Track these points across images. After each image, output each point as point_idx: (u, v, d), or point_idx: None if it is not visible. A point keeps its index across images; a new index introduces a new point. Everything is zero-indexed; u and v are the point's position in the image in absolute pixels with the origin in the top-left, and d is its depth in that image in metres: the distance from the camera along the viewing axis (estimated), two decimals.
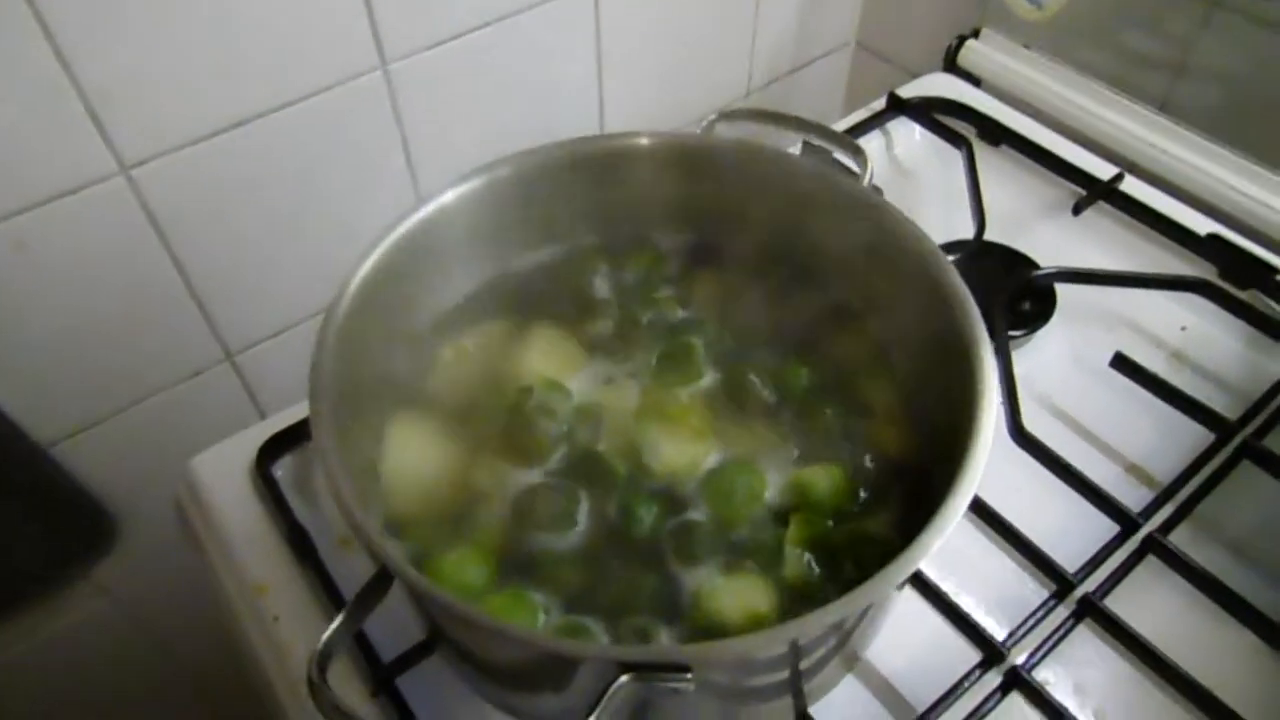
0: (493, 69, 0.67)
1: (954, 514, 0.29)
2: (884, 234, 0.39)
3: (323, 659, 0.29)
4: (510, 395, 0.40)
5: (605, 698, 0.28)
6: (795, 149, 0.46)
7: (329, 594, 0.45)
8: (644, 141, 0.42)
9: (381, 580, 0.30)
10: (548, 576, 0.35)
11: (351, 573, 0.47)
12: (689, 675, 0.28)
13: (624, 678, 0.28)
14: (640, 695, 0.29)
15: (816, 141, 0.44)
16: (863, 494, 0.37)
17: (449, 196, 0.39)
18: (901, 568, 0.28)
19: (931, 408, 0.37)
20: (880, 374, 0.41)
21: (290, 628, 0.46)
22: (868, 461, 0.39)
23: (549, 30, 0.68)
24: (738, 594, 0.34)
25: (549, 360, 0.41)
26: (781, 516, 0.37)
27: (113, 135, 0.54)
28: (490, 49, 0.66)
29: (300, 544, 0.47)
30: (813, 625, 0.28)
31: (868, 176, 0.41)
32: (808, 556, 0.35)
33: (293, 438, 0.52)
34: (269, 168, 0.61)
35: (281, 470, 0.51)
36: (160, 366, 0.67)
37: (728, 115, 0.45)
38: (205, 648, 0.86)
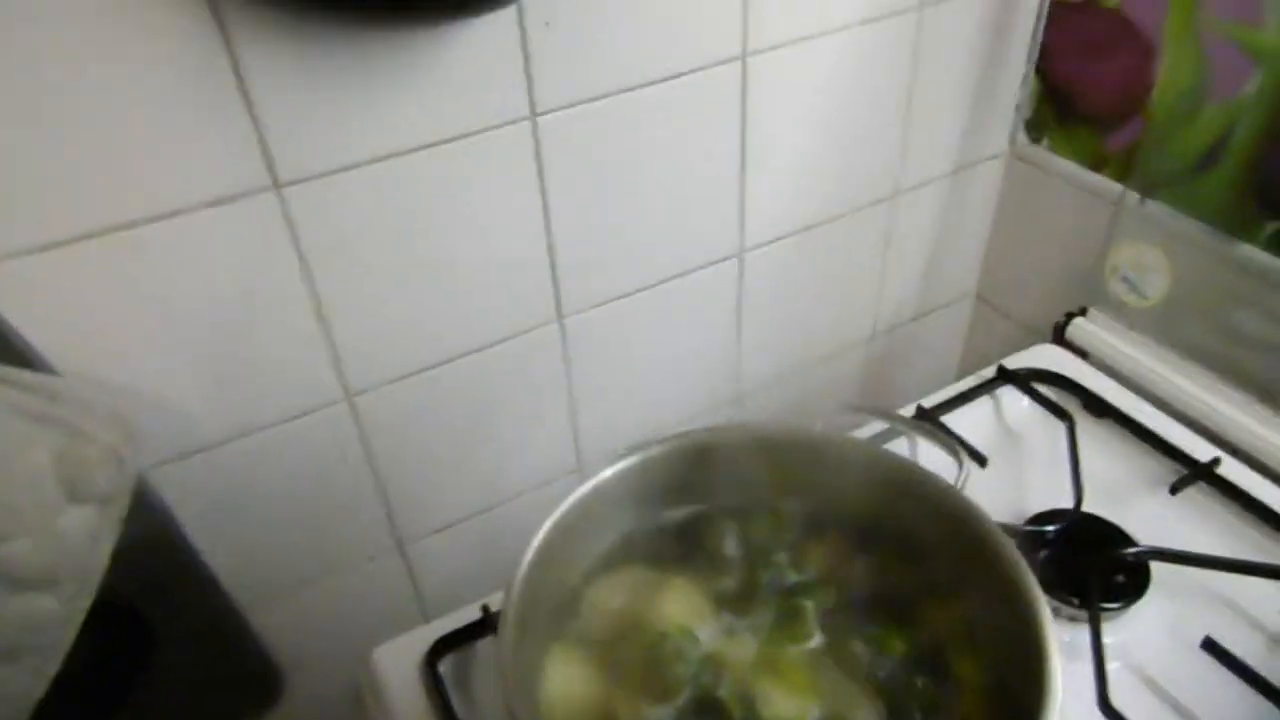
0: (645, 331, 0.79)
1: None
2: (965, 525, 0.46)
3: None
4: (649, 638, 0.48)
5: None
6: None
7: None
8: (773, 432, 0.52)
9: None
10: None
11: None
12: None
13: None
14: None
15: (923, 437, 0.53)
16: None
17: (610, 471, 0.50)
18: None
19: (1009, 683, 0.43)
20: (965, 649, 0.47)
21: None
22: None
23: (702, 290, 0.80)
24: None
25: (682, 609, 0.50)
26: None
27: (345, 371, 0.67)
28: (651, 306, 0.78)
29: None
30: None
31: (961, 479, 0.49)
32: None
33: (456, 640, 0.61)
34: (458, 399, 0.74)
35: (444, 667, 0.60)
36: (343, 550, 0.78)
37: (850, 409, 0.54)
38: None
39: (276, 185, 0.57)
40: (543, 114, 0.63)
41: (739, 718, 0.45)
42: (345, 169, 0.58)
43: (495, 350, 0.73)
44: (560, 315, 0.74)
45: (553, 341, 0.75)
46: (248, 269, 0.59)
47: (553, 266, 0.71)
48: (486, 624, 0.61)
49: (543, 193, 0.67)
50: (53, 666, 0.53)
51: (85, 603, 0.53)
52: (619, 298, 0.76)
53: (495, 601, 0.62)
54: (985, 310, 1.02)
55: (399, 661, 0.61)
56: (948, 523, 0.48)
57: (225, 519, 0.70)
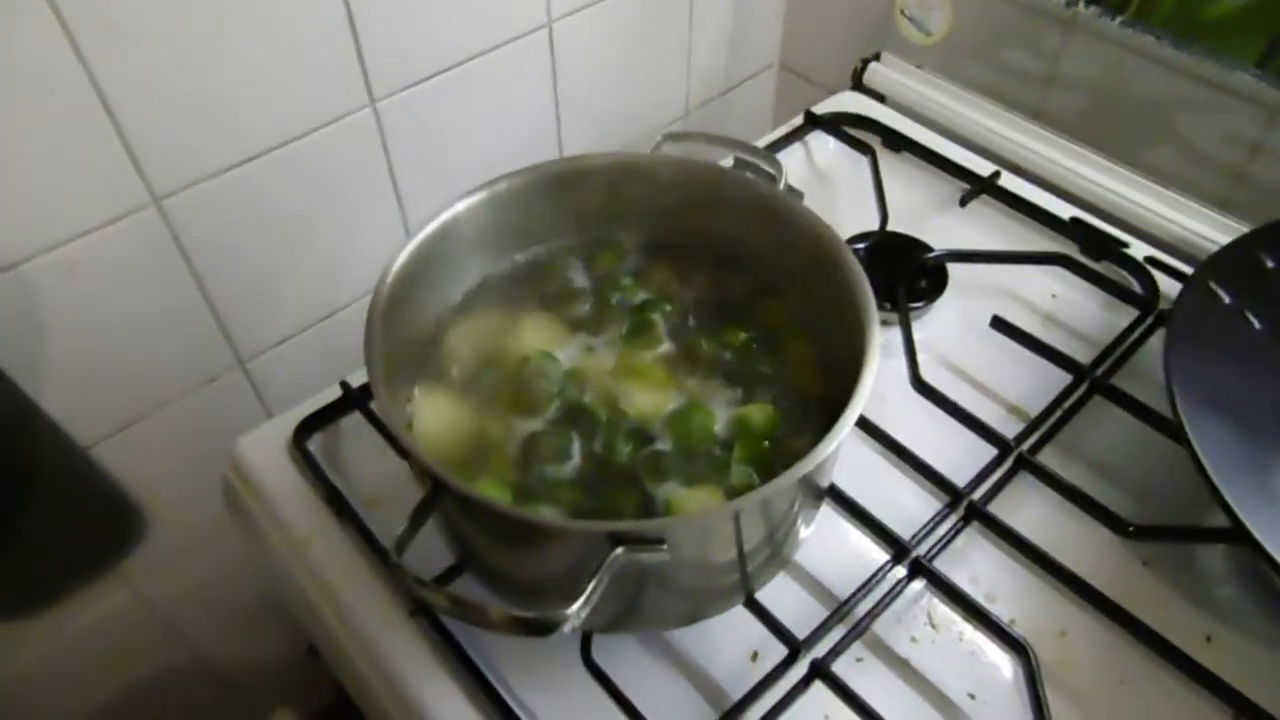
0: (467, 103, 0.77)
1: (844, 426, 0.41)
2: (794, 226, 0.51)
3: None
4: (512, 364, 0.51)
5: (602, 568, 0.38)
6: (729, 161, 0.58)
7: (365, 540, 0.55)
8: (605, 161, 0.54)
9: (434, 495, 0.41)
10: (552, 497, 0.46)
11: (379, 527, 0.57)
12: (664, 545, 0.39)
13: (617, 550, 0.38)
14: (630, 568, 0.40)
15: (743, 156, 0.56)
16: (789, 423, 0.49)
17: (459, 206, 0.50)
18: (808, 463, 0.39)
19: (838, 357, 0.48)
20: (800, 334, 0.52)
21: (334, 569, 0.55)
22: (792, 400, 0.50)
23: (514, 67, 0.79)
24: (697, 498, 0.45)
25: (541, 336, 0.52)
26: (728, 444, 0.48)
27: (146, 171, 0.63)
28: (464, 86, 0.76)
29: (337, 502, 0.57)
30: (749, 500, 0.39)
31: (783, 181, 0.53)
32: (749, 469, 0.46)
33: (320, 420, 0.62)
34: (276, 197, 0.71)
35: (313, 445, 0.61)
36: (182, 374, 0.75)
37: (671, 136, 0.57)
38: (219, 632, 0.95)
39: None
40: None
41: (605, 417, 0.49)
42: None
43: (308, 141, 0.70)
44: (373, 99, 0.72)
45: (368, 128, 0.73)
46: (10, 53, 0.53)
47: (358, 47, 0.68)
48: (347, 400, 0.62)
49: None
50: None
51: None
52: (432, 75, 0.74)
53: (355, 380, 0.63)
54: (789, 77, 1.06)
55: (266, 447, 0.61)
56: (777, 226, 0.52)
57: (46, 350, 0.66)
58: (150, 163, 0.62)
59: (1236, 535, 0.44)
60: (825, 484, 0.50)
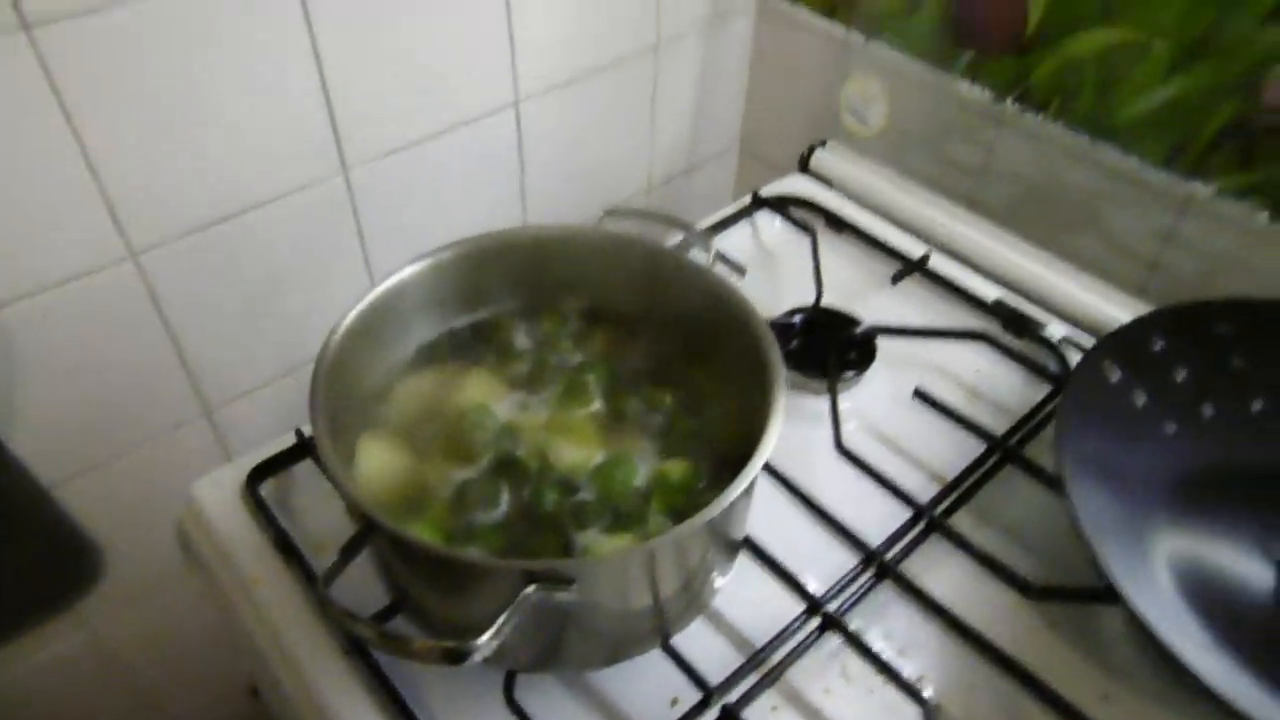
0: (435, 172, 0.83)
1: (744, 479, 0.44)
2: (715, 297, 0.55)
3: (326, 583, 0.42)
4: (451, 416, 0.55)
5: (514, 603, 0.41)
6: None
7: (309, 582, 0.58)
8: (549, 233, 0.59)
9: (364, 533, 0.44)
10: (480, 541, 0.49)
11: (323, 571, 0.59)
12: (574, 584, 0.42)
13: (530, 587, 0.42)
14: (545, 607, 0.43)
15: (678, 232, 0.61)
16: (704, 478, 0.52)
17: (407, 271, 0.55)
18: (709, 511, 0.43)
19: (756, 420, 0.52)
20: (721, 397, 0.57)
21: (278, 610, 0.58)
22: (712, 458, 0.54)
23: (482, 141, 0.84)
24: (613, 544, 0.49)
25: (480, 391, 0.56)
26: (647, 495, 0.52)
27: (125, 226, 0.67)
28: (433, 157, 0.82)
29: (284, 545, 0.60)
30: (654, 543, 0.43)
31: (711, 257, 0.57)
32: (665, 520, 0.50)
33: (274, 466, 0.65)
34: (250, 254, 0.75)
35: (265, 491, 0.64)
36: (149, 420, 0.79)
37: (611, 212, 0.62)
38: (168, 673, 0.96)
39: (25, 26, 0.56)
40: None
41: (535, 469, 0.53)
42: (94, 11, 0.58)
43: (282, 203, 0.75)
44: (345, 167, 0.77)
45: (339, 193, 0.78)
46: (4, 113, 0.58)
47: (331, 117, 0.73)
48: (302, 447, 0.65)
49: (312, 39, 0.68)
50: None
51: None
52: (403, 148, 0.79)
53: (310, 429, 0.66)
54: (747, 159, 1.12)
55: (219, 492, 0.64)
56: (701, 297, 0.57)
57: (16, 391, 0.69)
58: (129, 218, 0.67)
59: (1110, 594, 0.48)
60: (737, 535, 0.54)
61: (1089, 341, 0.75)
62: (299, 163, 0.74)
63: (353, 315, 0.51)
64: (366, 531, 0.44)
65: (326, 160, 0.75)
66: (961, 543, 0.62)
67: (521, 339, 0.60)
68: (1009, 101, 0.81)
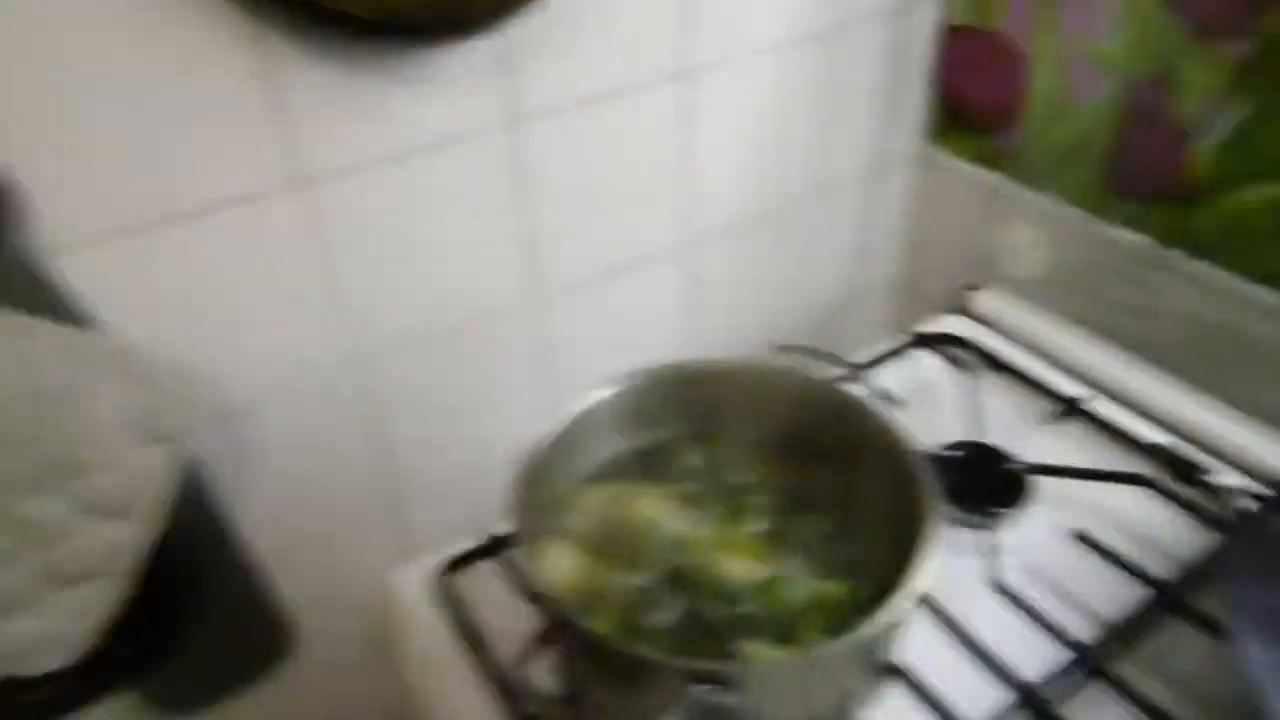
0: (612, 309, 0.91)
1: (894, 608, 0.48)
2: (874, 429, 0.60)
3: (519, 663, 0.48)
4: (626, 528, 0.61)
5: (678, 701, 0.46)
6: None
7: (493, 667, 0.64)
8: (719, 365, 0.65)
9: (554, 628, 0.50)
10: (650, 643, 0.54)
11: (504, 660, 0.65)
12: (733, 688, 0.46)
13: (694, 688, 0.46)
14: (703, 707, 0.47)
15: (839, 368, 0.66)
16: (861, 601, 0.55)
17: (596, 396, 0.62)
18: (862, 633, 0.47)
19: (909, 546, 0.55)
20: (879, 524, 0.60)
21: (463, 692, 0.64)
22: (871, 584, 0.57)
23: (655, 280, 0.93)
24: (772, 655, 0.52)
25: (653, 507, 0.62)
26: (805, 613, 0.55)
27: (354, 340, 0.78)
28: (611, 294, 0.91)
29: (471, 634, 0.66)
30: (818, 657, 0.46)
31: (871, 390, 0.62)
32: (822, 637, 0.53)
33: (464, 561, 0.72)
34: (456, 370, 0.85)
35: (453, 583, 0.71)
36: (353, 508, 0.88)
37: (779, 348, 0.68)
38: None
39: (306, 182, 0.69)
40: (520, 122, 0.76)
41: (702, 579, 0.57)
42: (359, 168, 0.70)
43: (481, 331, 0.85)
44: (544, 295, 0.87)
45: (539, 318, 0.87)
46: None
47: (533, 252, 0.84)
48: (491, 547, 0.72)
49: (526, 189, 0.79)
50: (123, 589, 0.63)
51: (153, 530, 0.63)
52: (587, 282, 0.89)
53: (496, 530, 0.73)
54: (907, 299, 1.17)
55: (413, 581, 0.72)
56: (860, 430, 0.61)
57: (249, 479, 0.80)
58: (357, 329, 0.78)
59: None
60: (890, 659, 0.56)
61: (1260, 491, 0.74)
62: (507, 288, 0.84)
63: (550, 432, 0.59)
64: (557, 626, 0.49)
65: (533, 287, 0.85)
66: (1126, 690, 0.61)
67: (692, 460, 0.66)
68: (1172, 250, 0.83)
